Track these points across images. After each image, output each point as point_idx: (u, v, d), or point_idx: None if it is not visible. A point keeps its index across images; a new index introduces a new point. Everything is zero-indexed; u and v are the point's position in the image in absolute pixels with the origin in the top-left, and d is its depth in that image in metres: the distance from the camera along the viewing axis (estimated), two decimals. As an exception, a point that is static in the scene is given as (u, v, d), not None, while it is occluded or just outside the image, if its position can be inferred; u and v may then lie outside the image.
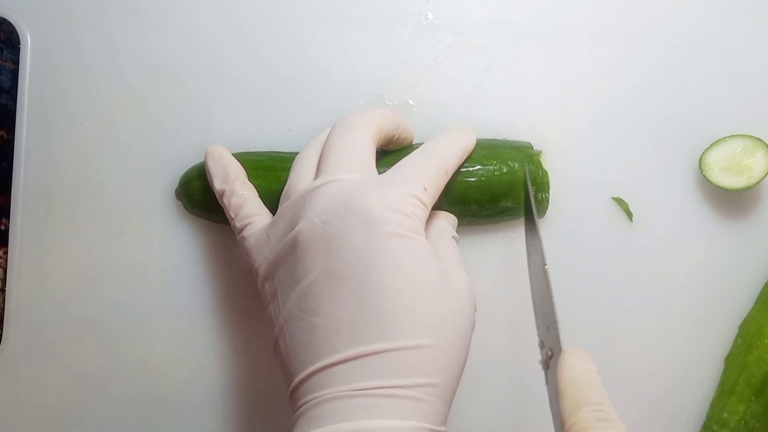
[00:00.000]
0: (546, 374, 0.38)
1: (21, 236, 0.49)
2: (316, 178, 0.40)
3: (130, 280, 0.49)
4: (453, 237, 0.42)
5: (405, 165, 0.40)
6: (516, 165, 0.45)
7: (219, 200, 0.44)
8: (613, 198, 0.49)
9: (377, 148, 0.43)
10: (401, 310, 0.35)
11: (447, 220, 0.44)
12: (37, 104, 0.50)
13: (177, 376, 0.49)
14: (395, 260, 0.36)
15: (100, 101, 0.50)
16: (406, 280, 0.36)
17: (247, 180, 0.44)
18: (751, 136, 0.47)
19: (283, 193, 0.42)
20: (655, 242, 0.49)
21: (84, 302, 0.49)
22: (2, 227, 0.50)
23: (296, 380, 0.36)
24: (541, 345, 0.40)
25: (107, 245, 0.49)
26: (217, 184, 0.44)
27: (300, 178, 0.41)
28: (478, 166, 0.45)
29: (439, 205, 0.43)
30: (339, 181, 0.39)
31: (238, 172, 0.44)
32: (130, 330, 0.49)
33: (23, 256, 0.49)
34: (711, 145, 0.48)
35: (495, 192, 0.45)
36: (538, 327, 0.41)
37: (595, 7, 0.50)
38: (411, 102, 0.50)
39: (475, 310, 0.38)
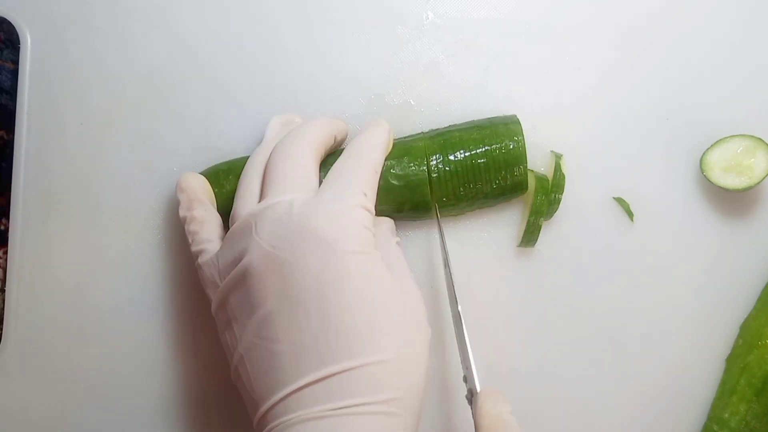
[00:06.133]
0: (471, 409, 0.39)
1: (21, 236, 0.49)
2: (260, 200, 0.40)
3: (129, 281, 0.49)
4: (397, 243, 0.42)
5: (340, 174, 0.40)
6: (519, 138, 0.45)
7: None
8: (614, 198, 0.49)
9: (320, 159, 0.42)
10: (363, 326, 0.35)
11: (388, 226, 0.44)
12: (37, 104, 0.49)
13: (178, 377, 0.49)
14: (351, 278, 0.36)
15: (100, 101, 0.50)
16: (365, 297, 0.36)
17: (211, 206, 0.43)
18: (752, 136, 0.47)
19: (230, 216, 0.41)
20: (656, 242, 0.49)
21: (84, 302, 0.49)
22: (2, 227, 0.50)
23: (263, 408, 0.36)
24: (465, 380, 0.40)
25: (107, 245, 0.49)
26: (180, 212, 0.43)
27: (243, 202, 0.41)
28: (485, 147, 0.45)
29: (451, 191, 0.44)
30: (283, 203, 0.38)
31: (201, 199, 0.43)
32: (130, 330, 0.49)
33: (23, 256, 0.49)
34: (712, 145, 0.48)
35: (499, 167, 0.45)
36: (461, 363, 0.41)
37: (596, 6, 0.50)
38: (412, 102, 0.50)
39: (426, 317, 0.38)
